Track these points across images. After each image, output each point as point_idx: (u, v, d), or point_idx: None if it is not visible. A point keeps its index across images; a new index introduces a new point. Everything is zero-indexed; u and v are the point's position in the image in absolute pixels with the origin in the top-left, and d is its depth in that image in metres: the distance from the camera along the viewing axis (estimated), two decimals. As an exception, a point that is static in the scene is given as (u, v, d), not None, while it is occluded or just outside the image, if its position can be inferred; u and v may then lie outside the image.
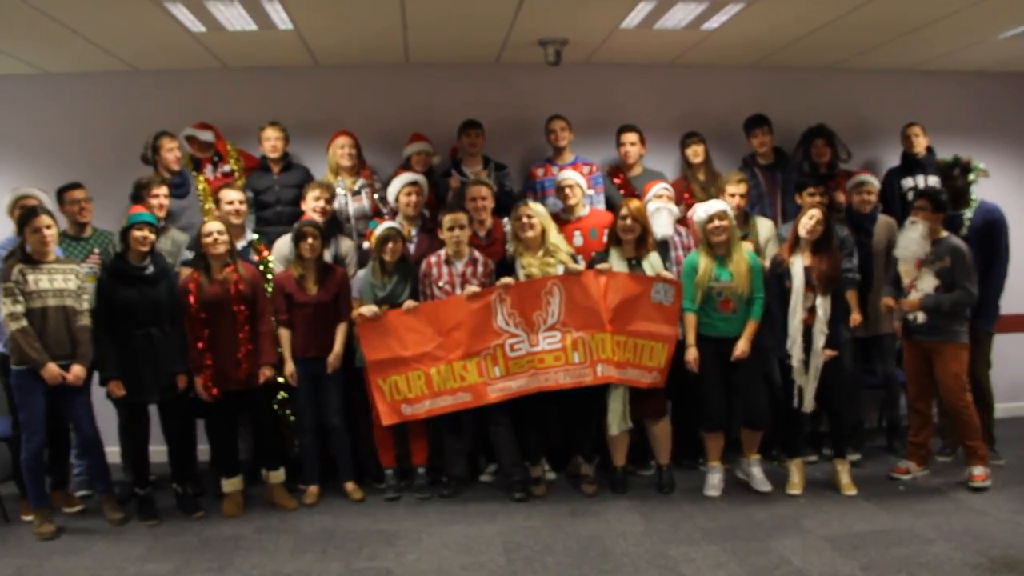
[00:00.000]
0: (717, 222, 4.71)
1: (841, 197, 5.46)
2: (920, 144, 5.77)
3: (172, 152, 5.32)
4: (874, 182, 5.46)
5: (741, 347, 4.72)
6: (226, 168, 5.54)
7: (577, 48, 5.65)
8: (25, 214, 4.49)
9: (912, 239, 4.80)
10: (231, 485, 4.77)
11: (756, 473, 4.88)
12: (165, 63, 5.74)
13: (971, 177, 5.35)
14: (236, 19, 4.87)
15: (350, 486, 4.95)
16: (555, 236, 4.94)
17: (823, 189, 5.22)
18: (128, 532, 4.49)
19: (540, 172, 5.70)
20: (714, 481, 4.88)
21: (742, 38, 5.53)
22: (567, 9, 4.92)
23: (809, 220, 4.71)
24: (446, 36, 5.40)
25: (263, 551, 4.19)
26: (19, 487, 4.75)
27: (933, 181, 5.71)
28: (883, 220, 5.43)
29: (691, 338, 4.78)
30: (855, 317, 4.98)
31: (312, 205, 5.05)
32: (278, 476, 4.87)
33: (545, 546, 4.15)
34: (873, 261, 5.27)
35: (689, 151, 5.70)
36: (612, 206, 5.43)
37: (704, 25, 5.23)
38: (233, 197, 5.01)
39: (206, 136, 5.53)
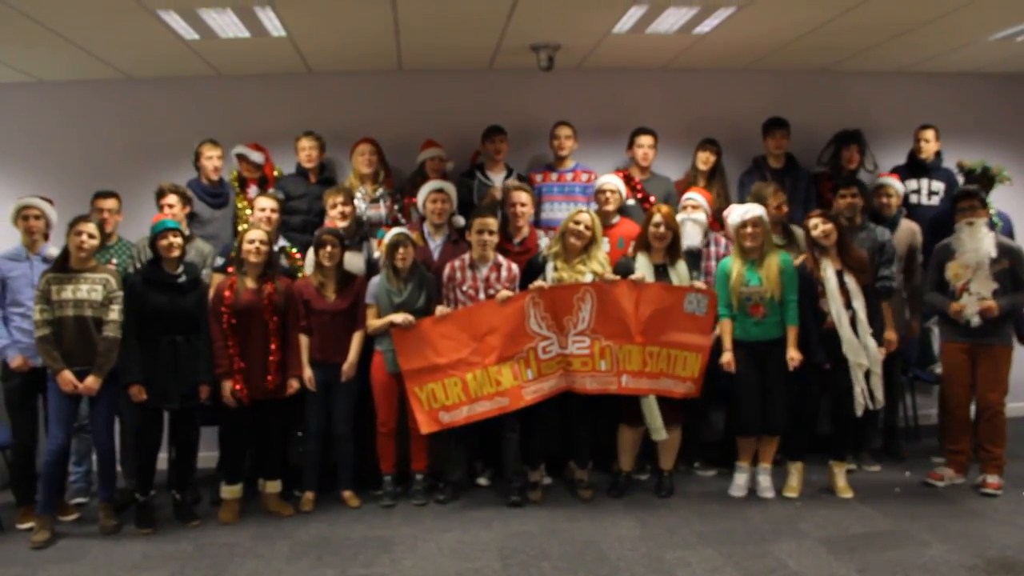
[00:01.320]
0: (751, 229, 4.70)
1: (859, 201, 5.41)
2: (929, 149, 5.76)
3: (211, 161, 5.36)
4: (896, 185, 5.44)
5: (792, 356, 4.67)
6: (271, 191, 5.50)
7: (570, 53, 5.65)
8: (75, 219, 4.56)
9: (981, 239, 4.71)
10: (230, 492, 4.76)
11: (763, 481, 4.86)
12: (159, 71, 5.75)
13: (996, 184, 5.34)
14: (229, 27, 4.87)
15: (347, 494, 4.95)
16: (600, 252, 4.91)
17: (855, 189, 5.16)
18: (124, 540, 4.48)
19: (539, 178, 5.69)
20: (740, 481, 4.88)
21: (735, 42, 5.54)
22: (559, 14, 4.92)
23: (816, 230, 4.71)
24: (438, 42, 5.41)
25: (259, 558, 4.18)
26: (15, 495, 4.75)
27: (938, 186, 5.72)
28: (905, 225, 5.39)
29: (727, 342, 4.76)
30: (890, 335, 4.94)
31: (332, 213, 5.06)
32: (275, 486, 4.86)
33: (541, 551, 4.15)
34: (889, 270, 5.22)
35: (700, 157, 5.70)
36: (627, 213, 5.41)
37: (696, 29, 5.24)
38: (266, 204, 5.04)
39: (256, 157, 5.55)
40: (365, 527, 4.57)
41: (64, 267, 4.50)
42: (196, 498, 4.99)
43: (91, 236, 4.49)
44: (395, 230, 4.93)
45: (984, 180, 5.35)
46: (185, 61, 5.51)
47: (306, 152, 5.47)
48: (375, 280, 4.91)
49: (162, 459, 4.80)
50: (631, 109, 6.09)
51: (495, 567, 3.98)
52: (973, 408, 4.99)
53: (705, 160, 5.68)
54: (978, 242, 4.73)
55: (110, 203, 5.06)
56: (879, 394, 4.72)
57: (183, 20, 4.72)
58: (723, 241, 5.18)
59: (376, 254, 5.16)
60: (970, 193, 4.90)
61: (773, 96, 6.20)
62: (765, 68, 6.21)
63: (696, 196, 5.18)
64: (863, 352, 4.66)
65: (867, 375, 4.69)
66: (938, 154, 5.81)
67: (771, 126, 5.82)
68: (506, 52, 5.64)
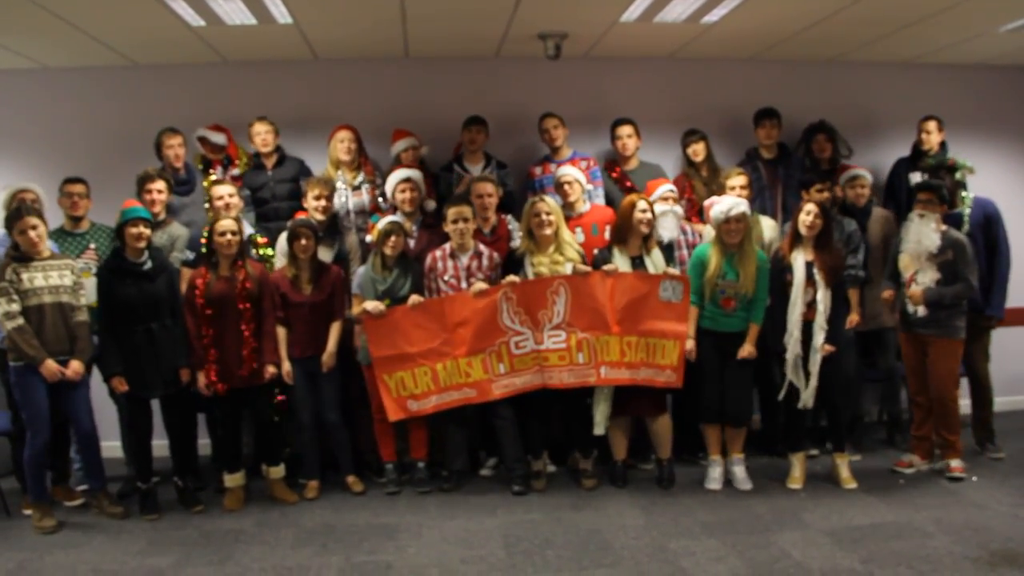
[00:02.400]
0: (734, 224, 4.70)
1: (837, 191, 5.45)
2: (932, 140, 5.73)
3: (172, 149, 5.33)
4: (867, 176, 5.48)
5: (747, 350, 4.72)
6: (235, 172, 5.52)
7: (577, 42, 5.63)
8: (10, 215, 4.51)
9: (926, 232, 4.75)
10: (233, 480, 4.78)
11: (738, 472, 4.87)
12: (165, 57, 5.73)
13: (958, 176, 5.33)
14: (236, 13, 4.86)
15: (351, 479, 4.96)
16: (567, 234, 4.92)
17: (829, 184, 5.21)
18: (129, 526, 4.50)
19: (538, 171, 5.67)
20: (715, 475, 4.89)
21: (742, 31, 5.51)
22: (567, 2, 4.90)
23: (807, 216, 4.70)
24: (445, 30, 5.39)
25: (264, 544, 4.20)
26: (20, 482, 4.78)
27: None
28: (878, 213, 5.45)
29: (690, 329, 4.77)
30: (853, 317, 4.99)
31: (313, 204, 5.04)
32: (278, 472, 4.88)
33: (545, 540, 4.16)
34: (869, 254, 5.25)
35: (689, 151, 5.68)
36: (611, 201, 5.42)
37: (704, 18, 5.22)
38: (223, 191, 5.01)
39: (218, 138, 5.52)
40: (370, 514, 4.58)
41: (23, 256, 4.43)
42: (200, 484, 5.01)
43: (35, 227, 4.41)
44: (388, 218, 4.93)
45: (940, 173, 5.33)
46: (191, 48, 5.49)
47: (261, 137, 5.42)
48: (361, 270, 4.92)
49: (164, 446, 4.81)
50: (637, 99, 6.07)
51: (499, 555, 4.00)
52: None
53: (695, 152, 5.66)
54: (921, 235, 4.77)
55: (78, 188, 4.97)
56: (806, 395, 4.73)
57: (190, 6, 4.70)
58: (689, 230, 5.20)
59: (352, 243, 5.17)
60: (929, 186, 4.92)
61: (779, 87, 6.18)
62: (772, 58, 6.19)
63: (674, 188, 5.19)
64: (798, 347, 4.70)
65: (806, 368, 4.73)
66: (943, 145, 5.79)
67: (761, 117, 5.80)
68: (513, 40, 5.62)
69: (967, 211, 5.24)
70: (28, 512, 4.61)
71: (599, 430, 4.85)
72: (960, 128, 6.05)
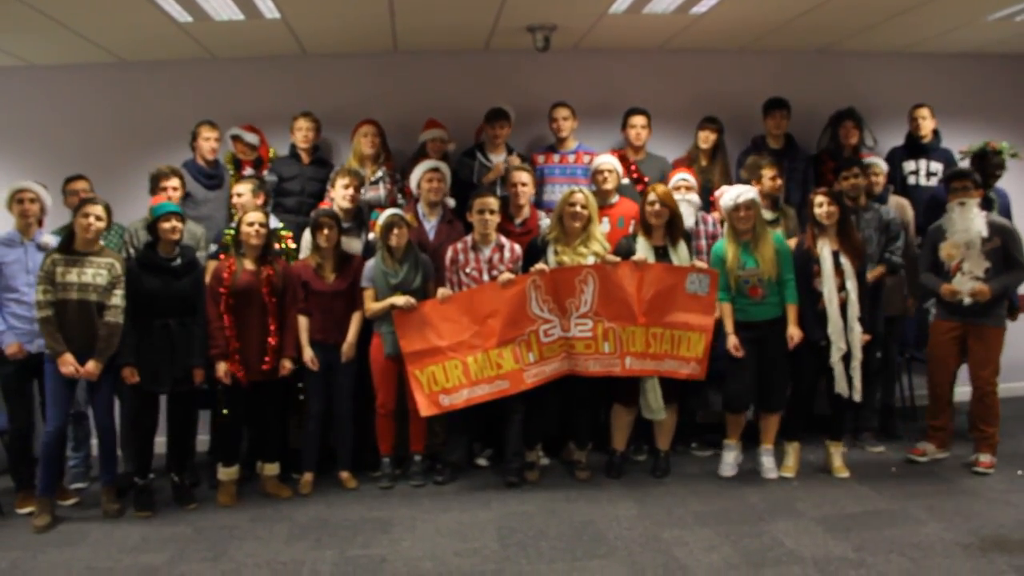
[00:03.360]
0: (744, 212, 4.69)
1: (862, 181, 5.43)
2: (926, 127, 5.76)
3: (208, 142, 5.36)
4: (881, 164, 5.47)
5: (793, 334, 4.68)
6: (265, 174, 5.51)
7: (566, 34, 5.63)
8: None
9: (972, 218, 4.72)
10: (227, 474, 4.78)
11: (766, 462, 4.87)
12: (153, 54, 5.72)
13: (1004, 158, 5.34)
14: (223, 8, 4.84)
15: (345, 475, 4.96)
16: (597, 229, 4.90)
17: (857, 170, 5.17)
18: (123, 523, 4.50)
19: (541, 159, 5.65)
20: (729, 459, 4.89)
21: (731, 21, 5.51)
22: (555, -6, 4.90)
23: (820, 208, 4.72)
24: (434, 22, 5.38)
25: (257, 540, 4.20)
26: (14, 480, 4.77)
27: (936, 167, 5.72)
28: (894, 201, 5.44)
29: (729, 326, 4.75)
30: (879, 269, 5.00)
31: (341, 193, 5.03)
32: (273, 469, 4.88)
33: (539, 531, 4.17)
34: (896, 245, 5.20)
35: (701, 135, 5.68)
36: (621, 192, 5.39)
37: (693, 9, 5.21)
38: (243, 190, 5.02)
39: (251, 139, 5.53)
40: (364, 508, 4.59)
41: (70, 250, 4.48)
42: (195, 481, 5.01)
43: (98, 218, 4.47)
44: (389, 211, 4.92)
45: (984, 161, 5.34)
46: (179, 44, 5.48)
47: (303, 132, 5.46)
48: (370, 263, 4.90)
49: (161, 443, 4.81)
50: (628, 90, 6.07)
51: (493, 547, 4.01)
52: (966, 388, 5.02)
53: (706, 139, 5.66)
54: (968, 222, 4.73)
55: (82, 184, 5.01)
56: (857, 382, 4.73)
57: (176, 2, 4.69)
58: (710, 219, 5.18)
59: (372, 236, 5.16)
60: (963, 174, 4.90)
61: (770, 77, 6.18)
62: (762, 48, 6.19)
63: (688, 177, 5.18)
64: (843, 336, 4.69)
65: (848, 359, 4.71)
66: (936, 134, 5.81)
67: (772, 107, 5.80)
68: (502, 33, 5.61)
69: (995, 196, 5.26)
70: (22, 511, 4.60)
71: (660, 415, 4.80)
72: (948, 117, 6.06)
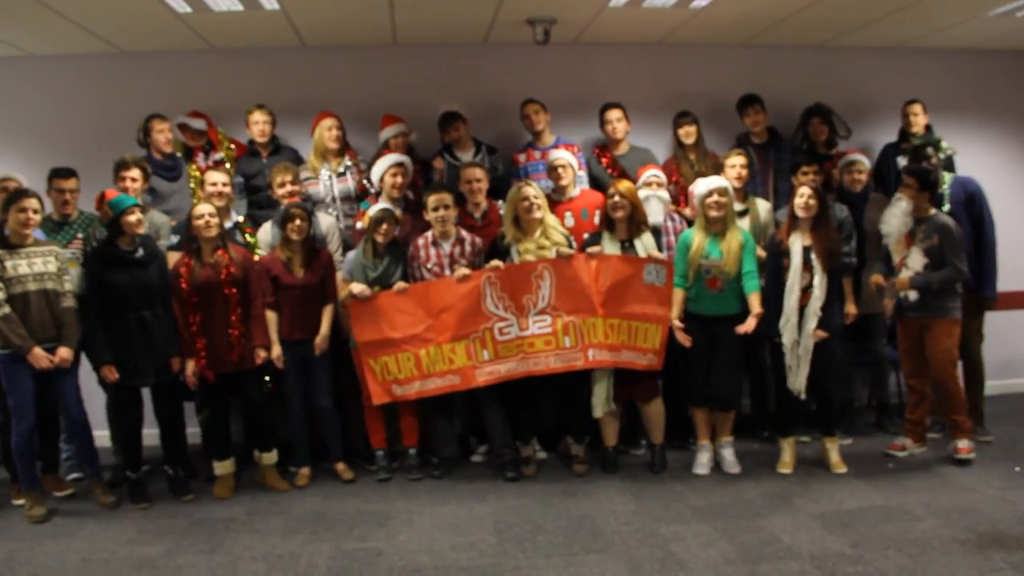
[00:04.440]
0: (717, 197, 4.69)
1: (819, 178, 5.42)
2: (919, 123, 5.75)
3: (163, 134, 5.30)
4: (864, 161, 5.48)
5: (750, 324, 4.62)
6: (217, 156, 5.49)
7: (566, 27, 5.60)
8: (12, 194, 4.47)
9: (895, 215, 4.83)
10: (222, 468, 4.78)
11: (727, 455, 4.88)
12: (151, 44, 5.69)
13: (942, 154, 5.34)
14: (222, -1, 4.83)
15: (340, 466, 4.96)
16: (551, 217, 4.92)
17: (816, 168, 5.19)
18: (119, 515, 4.49)
19: (523, 158, 5.64)
20: (703, 459, 4.90)
21: (732, 16, 5.50)
22: (555, -13, 4.89)
23: (801, 199, 4.70)
24: (433, 15, 5.35)
25: (254, 533, 4.19)
26: (9, 471, 4.74)
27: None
28: (876, 198, 5.44)
29: (675, 312, 4.76)
30: (850, 309, 5.01)
31: (279, 192, 5.00)
32: (270, 458, 4.87)
33: (536, 526, 4.17)
34: (866, 240, 5.27)
35: (681, 131, 5.66)
36: (601, 186, 5.39)
37: (693, 3, 5.20)
38: (217, 179, 4.98)
39: (198, 124, 5.48)
40: (360, 502, 4.58)
41: (9, 244, 4.40)
42: (190, 473, 4.99)
43: (35, 211, 4.41)
44: (380, 204, 4.90)
45: (917, 154, 5.33)
46: (177, 34, 5.45)
47: (259, 126, 5.41)
48: (351, 255, 4.90)
49: (152, 435, 4.81)
50: (627, 84, 6.05)
51: (490, 541, 4.00)
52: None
53: (687, 134, 5.63)
54: (890, 218, 4.86)
55: (71, 183, 4.89)
56: (798, 382, 4.71)
57: (175, -8, 4.67)
58: (677, 217, 5.18)
59: (326, 227, 5.13)
60: (911, 172, 4.92)
61: (769, 72, 6.18)
62: (762, 44, 6.18)
63: (659, 173, 5.18)
64: (796, 331, 4.68)
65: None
66: (928, 129, 5.80)
67: (744, 104, 5.79)
68: (501, 26, 5.59)
69: (947, 190, 5.24)
70: (18, 502, 4.59)
71: (598, 412, 4.84)
72: (949, 112, 6.08)
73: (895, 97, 6.03)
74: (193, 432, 5.11)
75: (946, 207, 5.15)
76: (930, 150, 5.24)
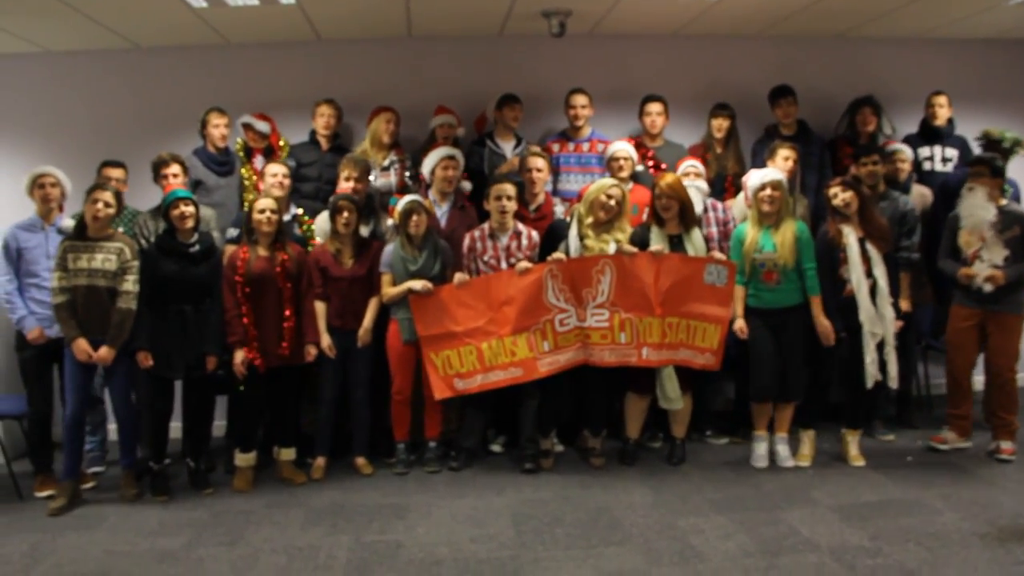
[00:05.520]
0: (770, 191, 4.66)
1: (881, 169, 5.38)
2: (942, 115, 5.72)
3: (218, 129, 5.36)
4: (907, 151, 5.42)
5: (822, 324, 4.66)
6: (284, 158, 5.48)
7: (582, 18, 5.59)
8: (93, 186, 4.56)
9: (977, 205, 4.71)
10: (244, 460, 4.80)
11: (782, 450, 4.84)
12: (168, 40, 5.72)
13: (1013, 154, 5.29)
14: (238, -6, 4.85)
15: (360, 461, 4.98)
16: (625, 222, 4.88)
17: (877, 157, 5.12)
18: (140, 507, 4.53)
19: (556, 148, 5.63)
20: (760, 451, 4.86)
21: (750, 5, 5.46)
22: (571, -22, 4.87)
23: (836, 199, 4.69)
24: (448, 8, 5.35)
25: (274, 525, 4.22)
26: (33, 464, 4.81)
27: (951, 153, 5.67)
28: (917, 190, 5.40)
29: (739, 309, 4.75)
30: (903, 304, 4.94)
31: (344, 186, 5.04)
32: (289, 454, 4.90)
33: (554, 518, 4.18)
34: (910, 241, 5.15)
35: (714, 123, 5.64)
36: (637, 180, 5.37)
37: (711, -7, 5.18)
38: (277, 171, 5.03)
39: (262, 126, 5.53)
40: (379, 494, 4.60)
41: (82, 235, 4.50)
42: (211, 466, 5.03)
43: (107, 204, 4.49)
44: (408, 197, 4.90)
45: (1002, 149, 5.29)
46: (194, 29, 5.48)
47: (325, 119, 5.47)
48: (389, 248, 4.90)
49: (176, 428, 4.85)
50: (643, 76, 6.04)
51: (508, 533, 4.01)
52: (982, 376, 5.01)
53: (719, 127, 5.63)
54: (973, 208, 4.72)
55: (118, 172, 5.06)
56: (892, 368, 4.69)
57: (192, -13, 4.69)
58: (720, 206, 5.15)
59: (387, 225, 5.16)
60: (980, 160, 4.87)
61: (786, 62, 6.15)
62: (780, 34, 6.13)
63: (697, 164, 5.18)
64: (879, 322, 4.65)
65: (881, 346, 4.67)
66: (950, 121, 5.77)
67: (777, 95, 5.74)
68: (517, 18, 5.58)
69: (1008, 188, 5.21)
70: (40, 495, 4.64)
71: (678, 404, 4.80)
72: (968, 103, 6.02)
73: (913, 88, 6.00)
74: (217, 425, 5.14)
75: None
76: (1006, 144, 5.19)
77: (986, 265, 4.70)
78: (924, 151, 5.75)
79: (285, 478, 4.85)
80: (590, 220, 4.82)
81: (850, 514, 4.07)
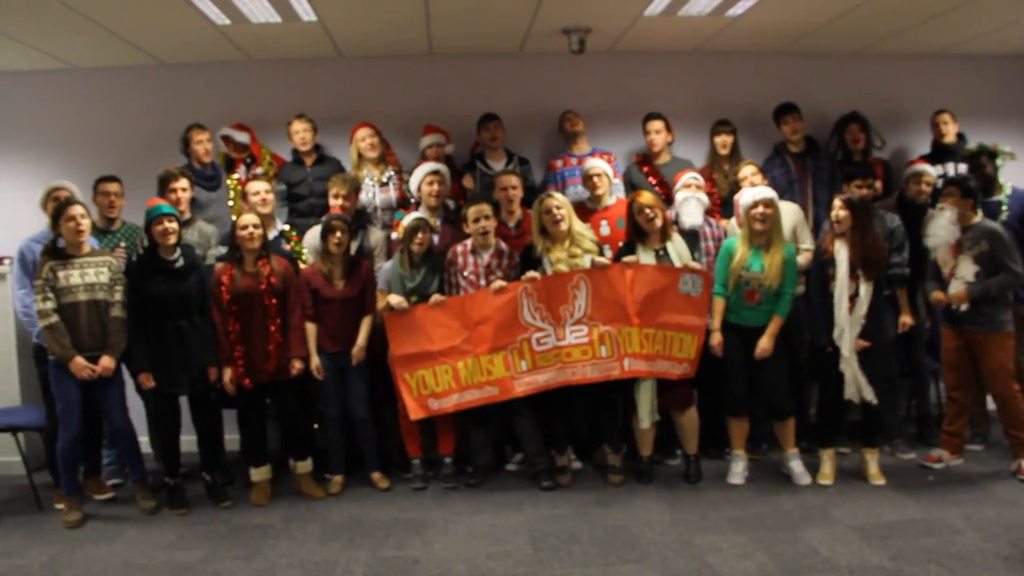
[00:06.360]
0: (762, 208, 4.65)
1: (878, 185, 5.35)
2: (950, 132, 5.70)
3: (202, 144, 5.38)
4: (931, 172, 5.38)
5: (763, 345, 4.67)
6: (259, 170, 5.56)
7: (601, 36, 5.62)
8: (59, 205, 4.55)
9: (940, 225, 4.73)
10: (259, 474, 4.82)
11: (795, 467, 4.81)
12: (191, 56, 5.79)
13: (999, 162, 5.27)
14: (260, 11, 4.90)
15: (376, 476, 4.98)
16: (579, 225, 4.90)
17: (871, 180, 5.10)
18: (158, 520, 4.56)
19: (559, 164, 5.67)
20: (738, 469, 4.86)
21: (767, 24, 5.48)
22: (591, -3, 4.89)
23: (834, 211, 4.67)
24: (469, 26, 5.39)
25: (291, 539, 4.23)
26: (53, 476, 4.83)
27: (964, 169, 5.64)
28: (931, 213, 5.34)
29: (716, 322, 4.75)
30: (905, 319, 4.93)
31: (333, 204, 5.05)
32: (305, 466, 4.91)
33: (571, 535, 4.16)
34: (928, 252, 5.12)
35: (718, 140, 5.66)
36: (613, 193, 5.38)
37: (729, 11, 5.19)
38: (259, 188, 5.04)
39: (241, 137, 5.57)
40: (396, 509, 4.60)
41: (63, 254, 4.49)
42: (228, 480, 5.05)
43: (83, 216, 4.49)
44: (414, 214, 4.93)
45: (981, 160, 5.26)
46: (216, 46, 5.54)
47: (300, 135, 5.47)
48: (387, 265, 4.93)
49: (190, 442, 4.86)
50: (662, 93, 6.06)
51: (526, 550, 4.00)
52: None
53: (723, 143, 5.64)
54: (936, 228, 4.74)
55: (114, 187, 5.03)
56: (862, 391, 4.66)
57: (215, 5, 4.75)
58: (714, 222, 5.14)
59: (376, 238, 5.19)
60: (951, 180, 4.88)
61: (805, 79, 6.15)
62: (798, 52, 6.15)
63: (698, 176, 5.18)
64: (849, 342, 4.63)
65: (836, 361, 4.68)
66: (961, 136, 5.73)
67: (782, 112, 5.74)
68: (536, 36, 5.62)
69: (1005, 199, 5.17)
70: (60, 506, 4.66)
71: (645, 424, 4.81)
72: (986, 119, 6.00)
73: (930, 106, 5.96)
74: (231, 439, 5.17)
75: (1003, 216, 5.07)
76: (984, 158, 5.17)
77: (960, 283, 4.71)
78: (936, 169, 5.71)
79: (302, 492, 4.85)
80: (542, 244, 4.82)
81: (870, 533, 4.03)
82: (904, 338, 5.34)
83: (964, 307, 4.70)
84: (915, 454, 5.21)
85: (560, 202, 4.81)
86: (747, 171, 5.18)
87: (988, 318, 4.69)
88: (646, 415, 4.81)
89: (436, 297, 4.82)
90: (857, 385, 4.66)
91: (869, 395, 4.66)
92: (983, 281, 4.66)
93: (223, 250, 4.99)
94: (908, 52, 6.25)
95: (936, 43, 6.04)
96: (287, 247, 5.16)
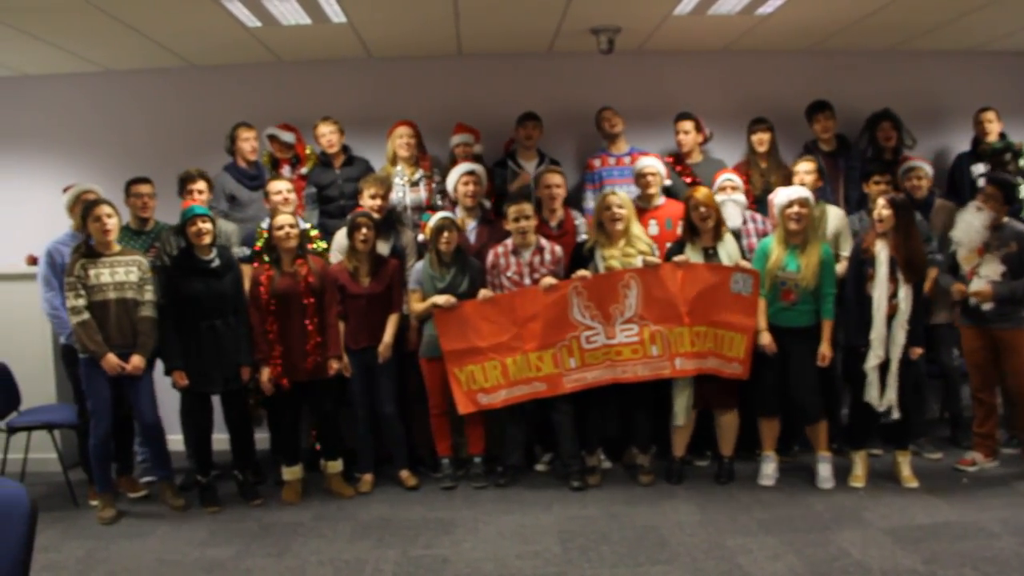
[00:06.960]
0: (797, 208, 4.62)
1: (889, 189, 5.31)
2: (993, 130, 5.62)
3: (248, 142, 5.43)
4: (925, 167, 5.33)
5: (823, 351, 4.62)
6: (303, 171, 5.59)
7: (630, 36, 5.59)
8: (87, 205, 4.61)
9: (973, 226, 4.67)
10: (291, 473, 4.86)
11: (821, 470, 4.75)
12: (222, 59, 5.84)
13: (1022, 162, 5.19)
14: (290, 13, 4.92)
15: (404, 473, 4.99)
16: (637, 228, 4.90)
17: (889, 177, 5.09)
18: (190, 517, 4.61)
19: (597, 163, 5.65)
20: (768, 471, 4.82)
21: (798, 22, 5.42)
22: (620, -4, 4.87)
23: (876, 210, 4.62)
24: (498, 26, 5.40)
25: (321, 537, 4.26)
26: (87, 473, 4.90)
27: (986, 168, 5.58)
28: (940, 204, 5.31)
29: (763, 322, 4.71)
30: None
31: (368, 203, 5.07)
32: (336, 466, 4.94)
33: (601, 535, 4.15)
34: (931, 246, 5.12)
35: (755, 138, 5.62)
36: (674, 195, 5.36)
37: (759, 10, 5.14)
38: (280, 187, 5.05)
39: (287, 137, 5.61)
40: (425, 509, 4.62)
41: (94, 253, 4.55)
42: (259, 478, 5.10)
43: (109, 216, 4.53)
44: (440, 214, 4.95)
45: (1005, 158, 5.17)
46: (247, 48, 5.59)
47: (326, 138, 5.48)
48: (418, 265, 4.95)
49: (222, 440, 4.92)
50: (692, 92, 6.02)
51: (555, 550, 4.00)
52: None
53: (760, 141, 5.59)
54: (969, 227, 4.69)
55: (147, 188, 5.06)
56: (892, 393, 4.59)
57: (246, 8, 4.78)
58: (759, 218, 5.12)
59: (408, 239, 5.21)
60: (998, 181, 4.80)
61: (838, 77, 6.08)
62: (830, 49, 6.07)
63: (734, 177, 5.15)
64: (883, 344, 4.57)
65: (885, 368, 4.60)
66: (1003, 136, 5.65)
67: (814, 110, 5.68)
68: (565, 35, 5.61)
69: None
70: (94, 503, 4.74)
71: (680, 421, 4.81)
72: (1020, 117, 5.88)
73: (968, 103, 5.88)
74: (262, 438, 5.21)
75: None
76: (1008, 156, 5.10)
77: (983, 281, 4.65)
78: (977, 167, 5.64)
79: (333, 491, 4.89)
80: (595, 239, 4.83)
81: (903, 536, 3.99)
82: (931, 338, 5.27)
83: (988, 306, 4.65)
84: (942, 455, 5.16)
85: (622, 201, 4.80)
86: (803, 167, 5.08)
87: (1011, 315, 4.64)
88: (681, 411, 4.79)
89: (484, 292, 4.83)
90: (881, 389, 4.60)
91: (891, 401, 4.59)
92: (1010, 282, 4.60)
93: (247, 251, 5.03)
94: (944, 49, 6.16)
95: (971, 40, 5.95)
96: (309, 246, 5.18)
